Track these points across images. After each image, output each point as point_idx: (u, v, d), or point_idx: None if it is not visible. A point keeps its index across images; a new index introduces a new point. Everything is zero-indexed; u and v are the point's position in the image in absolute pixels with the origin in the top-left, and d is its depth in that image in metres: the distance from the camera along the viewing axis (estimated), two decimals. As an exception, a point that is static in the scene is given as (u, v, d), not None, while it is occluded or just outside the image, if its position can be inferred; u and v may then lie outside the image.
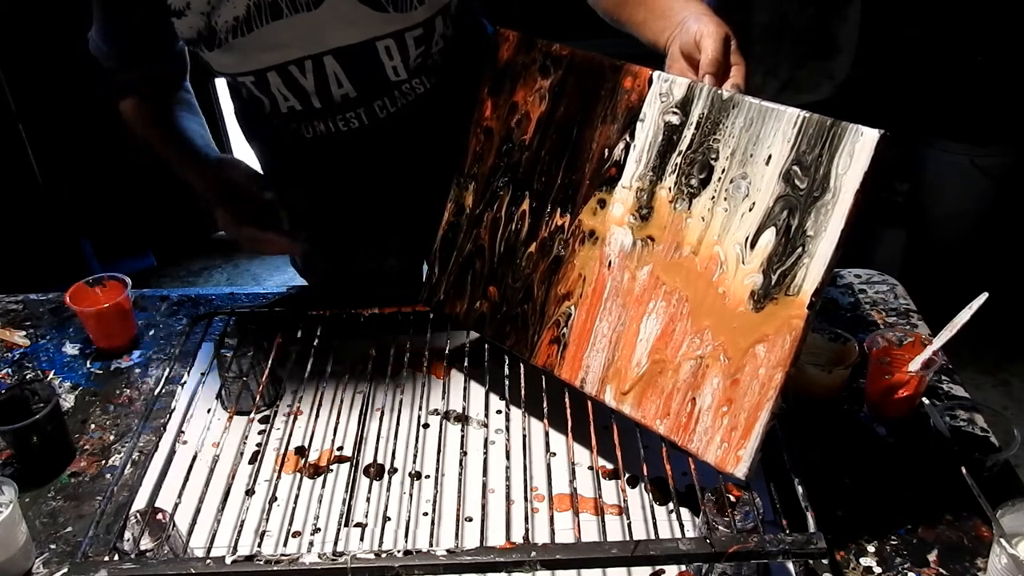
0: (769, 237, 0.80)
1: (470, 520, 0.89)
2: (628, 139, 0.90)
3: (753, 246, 0.81)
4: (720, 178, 0.83)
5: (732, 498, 0.82)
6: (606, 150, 0.91)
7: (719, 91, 0.83)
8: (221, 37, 1.02)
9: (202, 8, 1.00)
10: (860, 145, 0.74)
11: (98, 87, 1.19)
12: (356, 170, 1.21)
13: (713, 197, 0.83)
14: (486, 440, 0.98)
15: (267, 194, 1.09)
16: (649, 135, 0.88)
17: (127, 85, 1.17)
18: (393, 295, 1.15)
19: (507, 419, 0.97)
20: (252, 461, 0.98)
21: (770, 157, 0.80)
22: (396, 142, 1.18)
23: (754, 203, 0.81)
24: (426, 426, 1.03)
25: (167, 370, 1.08)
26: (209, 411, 1.07)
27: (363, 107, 1.13)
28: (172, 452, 0.98)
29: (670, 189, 0.87)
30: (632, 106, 0.89)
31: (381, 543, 0.87)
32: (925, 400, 0.99)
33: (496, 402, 1.03)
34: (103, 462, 1.00)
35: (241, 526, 0.85)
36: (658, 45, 0.95)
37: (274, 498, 0.93)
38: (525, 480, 0.91)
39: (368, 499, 0.93)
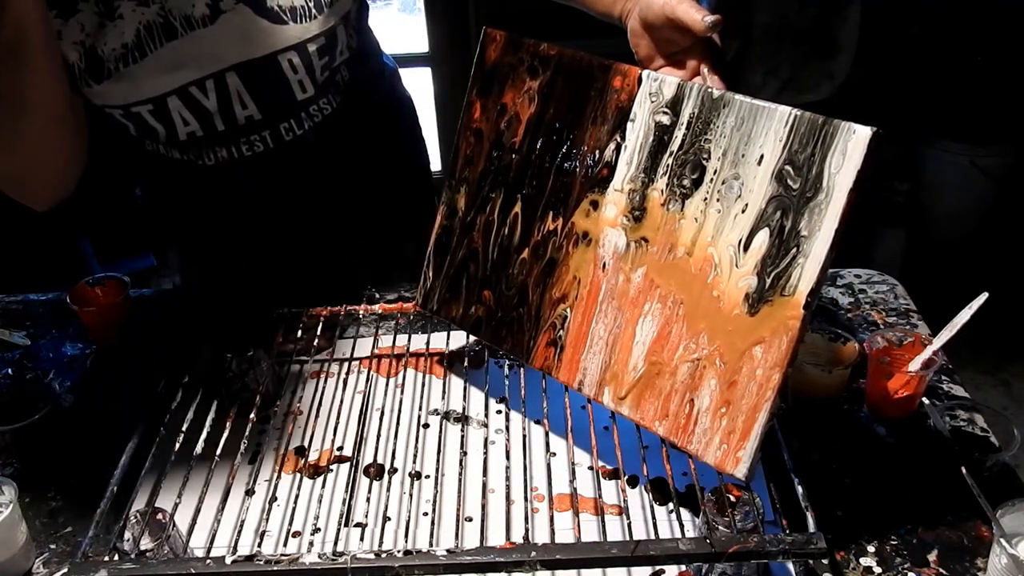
0: (763, 239, 0.79)
1: (470, 520, 0.89)
2: (619, 140, 0.89)
3: (747, 248, 0.80)
4: (712, 179, 0.83)
5: (732, 498, 0.82)
6: (597, 151, 0.91)
7: (709, 89, 0.82)
8: (110, 67, 0.97)
9: (76, 37, 0.94)
10: (853, 143, 0.74)
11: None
12: (258, 195, 1.18)
13: (705, 198, 0.83)
14: (486, 440, 0.98)
15: None
16: (640, 136, 0.87)
17: None
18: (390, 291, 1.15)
19: (507, 419, 0.97)
20: (252, 461, 0.98)
21: (762, 157, 0.79)
22: (299, 167, 1.15)
23: (747, 204, 0.80)
24: (426, 426, 1.03)
25: (167, 370, 1.08)
26: (209, 411, 1.07)
27: (268, 129, 1.09)
28: (172, 452, 0.98)
29: (662, 191, 0.86)
30: (622, 106, 0.89)
31: (381, 543, 0.87)
32: (925, 400, 0.99)
33: (496, 402, 1.03)
34: (103, 462, 1.00)
35: (241, 526, 0.85)
36: (612, 16, 0.93)
37: (274, 498, 0.93)
38: (525, 480, 0.91)
39: (368, 499, 0.93)
